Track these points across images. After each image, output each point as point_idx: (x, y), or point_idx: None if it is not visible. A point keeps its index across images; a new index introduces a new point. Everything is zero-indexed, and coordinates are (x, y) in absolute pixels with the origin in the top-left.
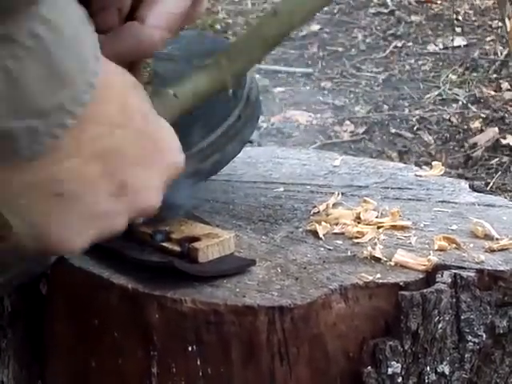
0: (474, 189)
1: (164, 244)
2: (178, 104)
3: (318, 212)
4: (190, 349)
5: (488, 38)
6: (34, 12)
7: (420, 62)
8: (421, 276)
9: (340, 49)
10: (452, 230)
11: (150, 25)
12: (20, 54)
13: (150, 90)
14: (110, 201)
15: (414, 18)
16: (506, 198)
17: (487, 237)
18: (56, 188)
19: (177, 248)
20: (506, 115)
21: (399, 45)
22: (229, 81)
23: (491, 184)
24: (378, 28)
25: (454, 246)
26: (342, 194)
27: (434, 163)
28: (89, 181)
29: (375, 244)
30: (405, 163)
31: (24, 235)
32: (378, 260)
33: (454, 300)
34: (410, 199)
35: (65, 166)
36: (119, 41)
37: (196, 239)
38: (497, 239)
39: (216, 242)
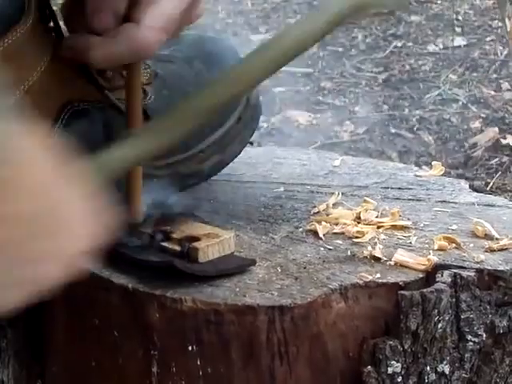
0: (474, 189)
1: (164, 244)
2: (103, 170)
3: (318, 212)
4: (190, 348)
5: (488, 38)
6: None
7: (420, 62)
8: (421, 276)
9: (340, 49)
10: (452, 229)
11: (146, 26)
12: None
13: (151, 90)
14: (19, 269)
15: (413, 18)
16: (505, 197)
17: (487, 236)
18: None
19: (177, 248)
20: (506, 115)
21: (399, 45)
22: (155, 151)
23: (491, 184)
24: (378, 28)
25: (454, 245)
26: (342, 193)
27: (434, 163)
28: None
29: (375, 244)
30: (405, 163)
31: None
32: (377, 260)
33: (454, 300)
34: (410, 199)
35: None
36: (115, 43)
37: (196, 239)
38: (497, 239)
39: (216, 242)
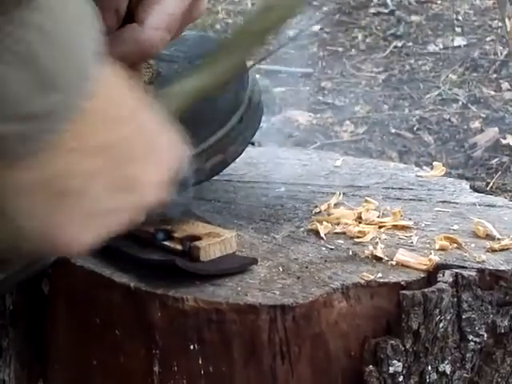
0: (474, 189)
1: (166, 243)
2: (179, 101)
3: (320, 212)
4: (191, 347)
5: (488, 38)
6: (25, 16)
7: (420, 62)
8: (422, 275)
9: (340, 49)
10: (453, 229)
11: (149, 26)
12: (6, 58)
13: (153, 89)
14: (112, 197)
15: (413, 17)
16: (506, 198)
17: (488, 237)
18: (58, 185)
19: (179, 247)
20: (506, 115)
21: (399, 45)
22: (221, 78)
23: (491, 184)
24: (378, 28)
25: (456, 245)
26: (344, 194)
27: (434, 164)
28: (90, 176)
29: (376, 243)
30: (405, 163)
31: (30, 236)
32: (379, 259)
33: (456, 299)
34: (411, 199)
35: (65, 162)
36: (119, 43)
37: (198, 238)
38: (498, 239)
39: (218, 241)
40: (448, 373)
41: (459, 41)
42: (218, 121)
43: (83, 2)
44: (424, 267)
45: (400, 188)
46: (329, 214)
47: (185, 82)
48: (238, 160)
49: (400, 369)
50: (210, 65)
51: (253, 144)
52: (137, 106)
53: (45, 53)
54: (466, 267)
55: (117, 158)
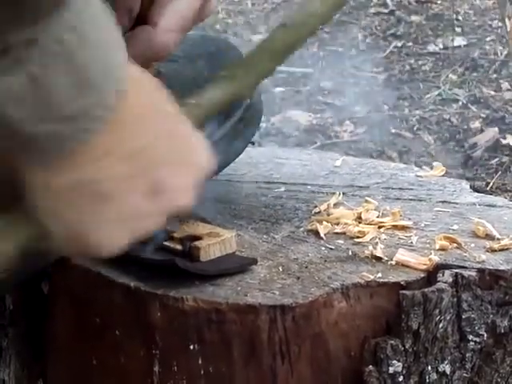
0: (474, 189)
1: (166, 243)
2: (200, 113)
3: (319, 212)
4: (191, 347)
5: (488, 38)
6: (61, 18)
7: (420, 62)
8: (422, 275)
9: (340, 49)
10: (453, 229)
11: (163, 28)
12: (46, 59)
13: None
14: (145, 200)
15: (413, 17)
16: (505, 198)
17: (488, 236)
18: (92, 188)
19: (179, 247)
20: (506, 115)
21: (399, 45)
22: (245, 92)
23: (491, 184)
24: (378, 28)
25: (455, 245)
26: (343, 194)
27: (434, 164)
28: (123, 180)
29: (376, 243)
30: (405, 163)
31: (62, 237)
32: (379, 259)
33: (455, 299)
34: (411, 199)
35: (99, 165)
36: (132, 45)
37: (198, 238)
38: (498, 239)
39: (218, 241)
40: (448, 373)
41: (459, 41)
42: (217, 120)
43: (103, 5)
44: (424, 267)
45: (400, 188)
46: (328, 214)
47: (207, 91)
48: (237, 160)
49: (400, 369)
50: (232, 77)
51: (253, 143)
52: (166, 109)
53: (81, 54)
54: (465, 267)
55: (148, 161)
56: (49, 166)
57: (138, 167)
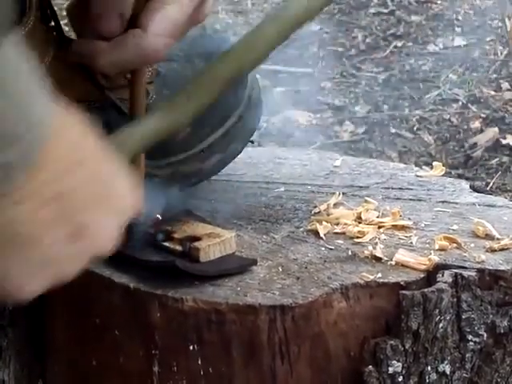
0: (474, 189)
1: (165, 243)
2: (132, 144)
3: (319, 212)
4: (191, 348)
5: (488, 38)
6: None
7: (420, 62)
8: (422, 275)
9: (340, 49)
10: (453, 229)
11: (152, 33)
12: None
13: (153, 89)
14: (66, 244)
15: (414, 17)
16: (505, 198)
17: (488, 236)
18: (12, 231)
19: (178, 247)
20: (506, 115)
21: (399, 45)
22: (183, 120)
23: (491, 184)
24: (378, 28)
25: (455, 245)
26: (343, 194)
27: (434, 164)
28: (45, 224)
29: (376, 244)
30: (405, 163)
31: None
32: (378, 259)
33: (455, 299)
34: (410, 199)
35: (20, 209)
36: (122, 49)
37: (197, 239)
38: (498, 239)
39: (217, 242)
40: (448, 373)
41: (459, 41)
42: (217, 119)
43: (19, 51)
44: (423, 267)
45: (400, 188)
46: (328, 214)
47: (141, 123)
48: (237, 160)
49: (399, 369)
50: (169, 108)
51: (252, 142)
52: (92, 150)
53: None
54: (465, 267)
55: (71, 205)
56: None
57: (59, 211)
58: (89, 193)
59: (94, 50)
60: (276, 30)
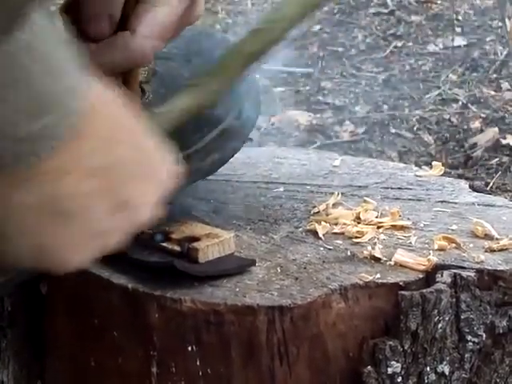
0: (473, 189)
1: (164, 244)
2: (165, 122)
3: (318, 212)
4: (189, 349)
5: (488, 38)
6: (17, 39)
7: (420, 62)
8: (420, 276)
9: (340, 49)
10: (452, 229)
11: (141, 35)
12: (2, 79)
13: (150, 88)
14: (109, 217)
15: (414, 17)
16: (505, 198)
17: (487, 237)
18: (55, 206)
19: (177, 248)
20: (506, 115)
21: (399, 45)
22: (213, 98)
23: (491, 184)
24: (378, 28)
25: (454, 245)
26: (342, 194)
27: (433, 163)
28: (87, 198)
29: (375, 244)
30: (405, 163)
31: (26, 254)
32: (377, 260)
33: (454, 300)
34: (409, 199)
35: (62, 183)
36: (110, 51)
37: (196, 239)
38: (497, 239)
39: (216, 242)
40: (447, 373)
41: (459, 41)
42: (215, 118)
43: (60, 24)
44: (422, 267)
45: (399, 188)
46: (327, 214)
47: (176, 100)
48: (236, 160)
49: (398, 369)
50: (201, 85)
51: (251, 140)
52: (130, 123)
53: (36, 74)
54: (464, 267)
55: (113, 178)
56: (8, 182)
57: (101, 185)
58: (129, 166)
59: (82, 52)
60: (296, 8)
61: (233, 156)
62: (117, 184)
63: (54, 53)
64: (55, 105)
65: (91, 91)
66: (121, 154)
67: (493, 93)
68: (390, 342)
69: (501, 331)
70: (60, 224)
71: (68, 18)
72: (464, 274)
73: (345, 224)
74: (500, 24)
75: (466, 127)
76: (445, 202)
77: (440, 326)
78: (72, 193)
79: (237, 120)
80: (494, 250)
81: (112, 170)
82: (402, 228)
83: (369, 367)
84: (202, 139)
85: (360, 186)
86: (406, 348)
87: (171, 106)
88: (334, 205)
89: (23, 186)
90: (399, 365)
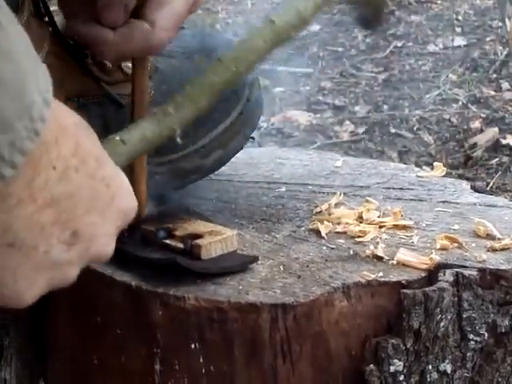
0: (475, 189)
1: (167, 241)
2: (125, 150)
3: (320, 211)
4: (192, 346)
5: (488, 38)
6: None
7: (420, 62)
8: (423, 275)
9: (340, 49)
10: (454, 229)
11: (160, 28)
12: None
13: (151, 85)
14: (63, 250)
15: (413, 17)
16: (506, 198)
17: (489, 236)
18: (8, 238)
19: (180, 245)
20: (506, 115)
21: (399, 45)
22: (176, 128)
23: (491, 184)
24: (378, 28)
25: (456, 245)
26: (344, 194)
27: (435, 164)
28: (41, 229)
29: (377, 243)
30: (405, 163)
31: None
32: (380, 259)
33: (456, 299)
34: (411, 199)
35: (16, 214)
36: (129, 42)
37: (199, 236)
38: (499, 239)
39: (219, 239)
40: (449, 372)
41: (459, 41)
42: (217, 116)
43: (25, 38)
44: (425, 266)
45: (401, 188)
46: (330, 214)
47: (136, 127)
48: (238, 160)
49: (401, 368)
50: (164, 114)
51: (253, 139)
52: (89, 153)
53: None
54: (466, 267)
55: (67, 210)
56: None
57: (56, 216)
58: (86, 197)
59: (101, 38)
60: (265, 40)
61: (235, 154)
62: (71, 216)
63: (16, 73)
64: (9, 126)
65: (55, 114)
66: (76, 185)
67: (493, 93)
68: (393, 341)
69: (503, 330)
70: (13, 256)
71: (82, 4)
72: (466, 272)
73: (347, 223)
74: (500, 24)
75: (465, 127)
76: (446, 202)
77: (442, 324)
78: (26, 224)
79: (239, 118)
80: (496, 250)
81: (66, 202)
82: (404, 228)
83: (371, 365)
84: (204, 137)
85: (362, 187)
86: (408, 346)
87: (133, 132)
88: (336, 205)
89: None
90: (401, 363)
